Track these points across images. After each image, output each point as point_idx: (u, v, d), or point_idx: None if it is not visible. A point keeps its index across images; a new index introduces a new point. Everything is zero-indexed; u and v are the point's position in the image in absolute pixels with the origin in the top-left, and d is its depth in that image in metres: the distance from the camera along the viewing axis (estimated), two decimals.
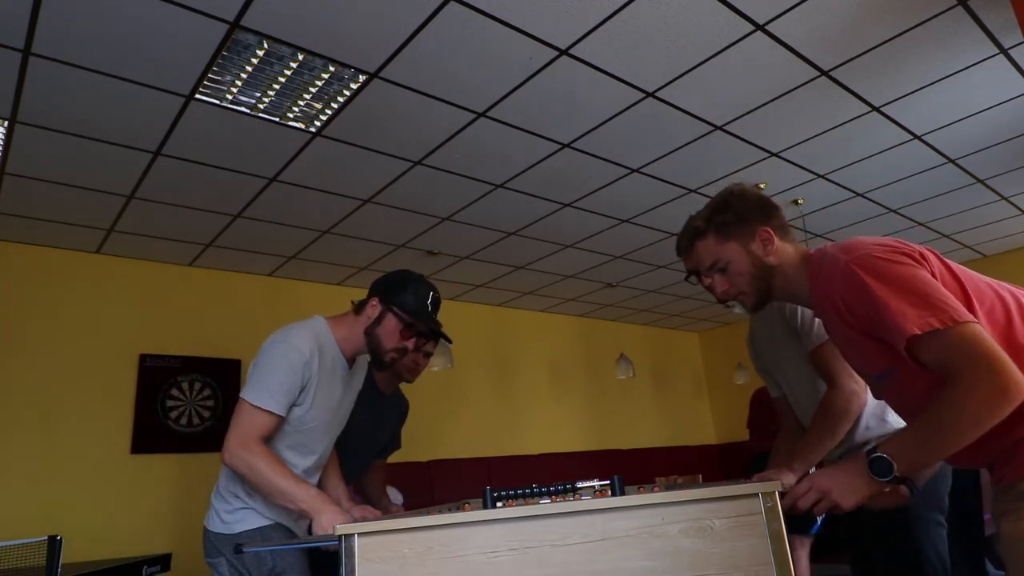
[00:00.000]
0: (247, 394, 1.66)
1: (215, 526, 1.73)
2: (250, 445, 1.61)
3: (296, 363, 1.69)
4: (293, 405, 1.71)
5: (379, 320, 1.79)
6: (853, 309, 1.24)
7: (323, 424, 1.82)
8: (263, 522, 1.73)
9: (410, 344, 1.82)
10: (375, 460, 2.58)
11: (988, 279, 1.30)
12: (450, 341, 1.95)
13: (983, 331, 1.13)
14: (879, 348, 1.25)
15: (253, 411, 1.64)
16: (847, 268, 1.24)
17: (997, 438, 1.15)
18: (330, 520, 1.55)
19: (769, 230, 1.44)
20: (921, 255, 1.24)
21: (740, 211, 1.45)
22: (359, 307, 1.85)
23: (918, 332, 1.12)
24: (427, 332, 1.87)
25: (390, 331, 1.79)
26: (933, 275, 1.21)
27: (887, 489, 1.28)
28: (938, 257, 1.27)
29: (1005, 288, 1.28)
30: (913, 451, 1.16)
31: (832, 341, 1.52)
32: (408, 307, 1.79)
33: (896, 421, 1.72)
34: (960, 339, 1.12)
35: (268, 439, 1.68)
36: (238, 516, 1.72)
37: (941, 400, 1.13)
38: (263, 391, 1.66)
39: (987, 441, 1.14)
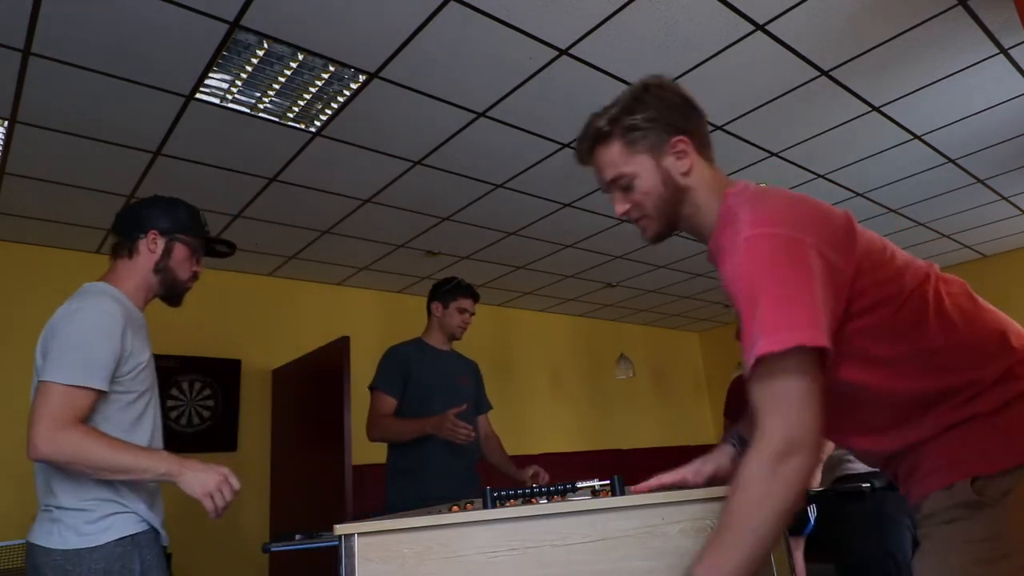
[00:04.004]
0: (57, 375, 1.44)
1: (68, 542, 1.45)
2: (67, 428, 1.41)
3: (114, 329, 1.52)
4: (117, 376, 1.54)
5: (167, 253, 1.67)
6: (729, 291, 1.02)
7: (151, 387, 1.66)
8: (138, 528, 1.53)
9: (199, 267, 1.74)
10: (476, 416, 2.82)
11: (924, 271, 1.05)
12: (233, 248, 1.85)
13: (810, 368, 0.90)
14: None
15: (68, 392, 1.43)
16: (744, 244, 0.99)
17: (888, 438, 1.02)
18: (198, 479, 1.44)
19: (686, 140, 1.16)
20: (821, 242, 0.98)
21: (656, 112, 1.16)
22: (128, 249, 1.67)
23: (761, 355, 0.91)
24: (218, 250, 1.79)
25: (181, 260, 1.69)
26: (836, 268, 0.97)
27: None
28: (855, 241, 1.02)
29: (932, 284, 1.04)
30: (727, 564, 0.90)
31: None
32: (193, 231, 1.70)
33: None
34: (778, 372, 0.90)
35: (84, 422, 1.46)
36: (106, 524, 1.49)
37: (736, 478, 0.93)
38: (78, 367, 1.45)
39: (879, 441, 1.03)
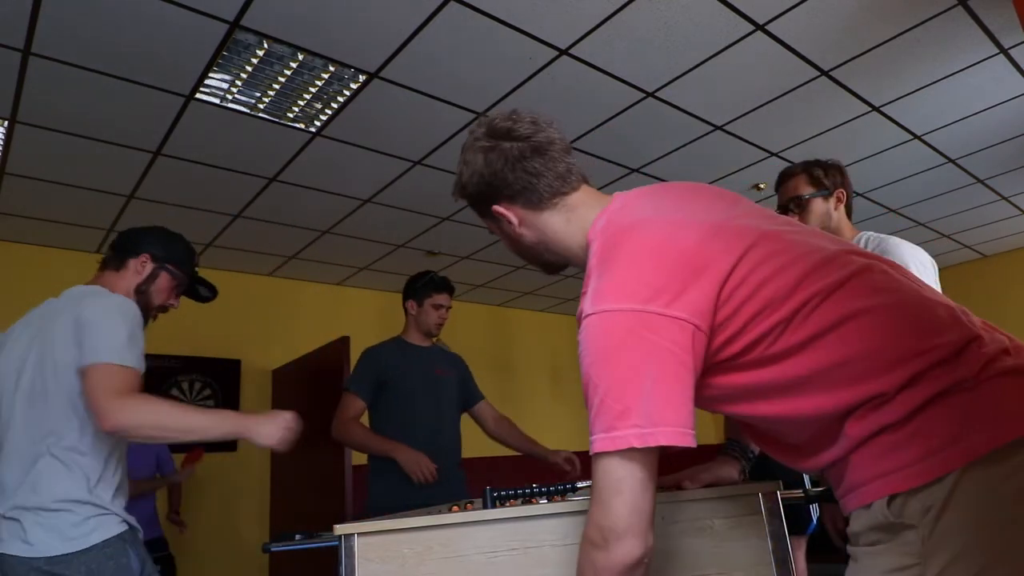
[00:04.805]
0: (117, 358, 1.50)
1: (51, 548, 1.43)
2: (134, 397, 1.48)
3: (141, 323, 1.63)
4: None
5: (152, 278, 1.75)
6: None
7: None
8: (121, 528, 1.54)
9: (176, 302, 1.82)
10: (464, 411, 2.89)
11: (812, 282, 0.90)
12: (214, 293, 1.91)
13: (642, 459, 0.88)
14: None
15: (128, 371, 1.50)
16: (587, 324, 0.91)
17: (811, 451, 0.95)
18: (267, 430, 1.51)
19: (502, 209, 1.08)
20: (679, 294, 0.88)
21: (473, 187, 1.10)
22: (117, 264, 1.75)
23: (599, 451, 0.92)
24: (200, 292, 1.87)
25: (162, 289, 1.77)
26: (696, 328, 0.88)
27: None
28: (713, 279, 0.90)
29: (825, 295, 0.89)
30: None
31: None
32: (183, 265, 1.78)
33: None
34: (611, 463, 0.90)
35: None
36: (92, 525, 1.49)
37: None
38: (135, 353, 1.55)
39: (804, 450, 0.96)
